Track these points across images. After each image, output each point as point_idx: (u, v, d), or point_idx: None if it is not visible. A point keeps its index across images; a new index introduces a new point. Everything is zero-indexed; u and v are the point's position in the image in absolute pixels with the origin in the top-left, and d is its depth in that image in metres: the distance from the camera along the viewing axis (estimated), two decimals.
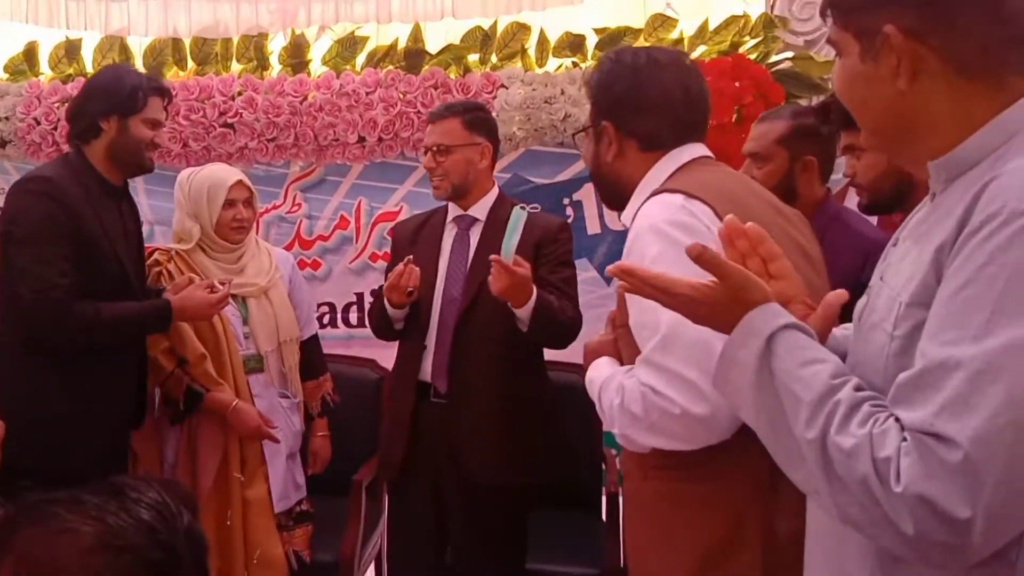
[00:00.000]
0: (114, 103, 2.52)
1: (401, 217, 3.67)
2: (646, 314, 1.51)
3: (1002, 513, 0.91)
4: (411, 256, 2.60)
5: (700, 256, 1.13)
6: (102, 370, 2.51)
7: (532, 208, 2.42)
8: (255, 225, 2.99)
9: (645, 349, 1.52)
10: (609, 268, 1.21)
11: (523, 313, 2.44)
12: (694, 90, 1.72)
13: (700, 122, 1.74)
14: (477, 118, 2.67)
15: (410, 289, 2.58)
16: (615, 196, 1.79)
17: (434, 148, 2.64)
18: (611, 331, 1.75)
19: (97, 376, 2.50)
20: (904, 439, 0.95)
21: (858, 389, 1.03)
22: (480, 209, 2.69)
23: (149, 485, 1.05)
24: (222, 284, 2.60)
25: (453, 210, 2.72)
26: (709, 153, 1.74)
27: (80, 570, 0.96)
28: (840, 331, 1.33)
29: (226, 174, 2.82)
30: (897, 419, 0.97)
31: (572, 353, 2.53)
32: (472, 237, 2.68)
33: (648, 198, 1.63)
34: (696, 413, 1.45)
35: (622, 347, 1.70)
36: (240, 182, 2.80)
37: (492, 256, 2.35)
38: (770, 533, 1.53)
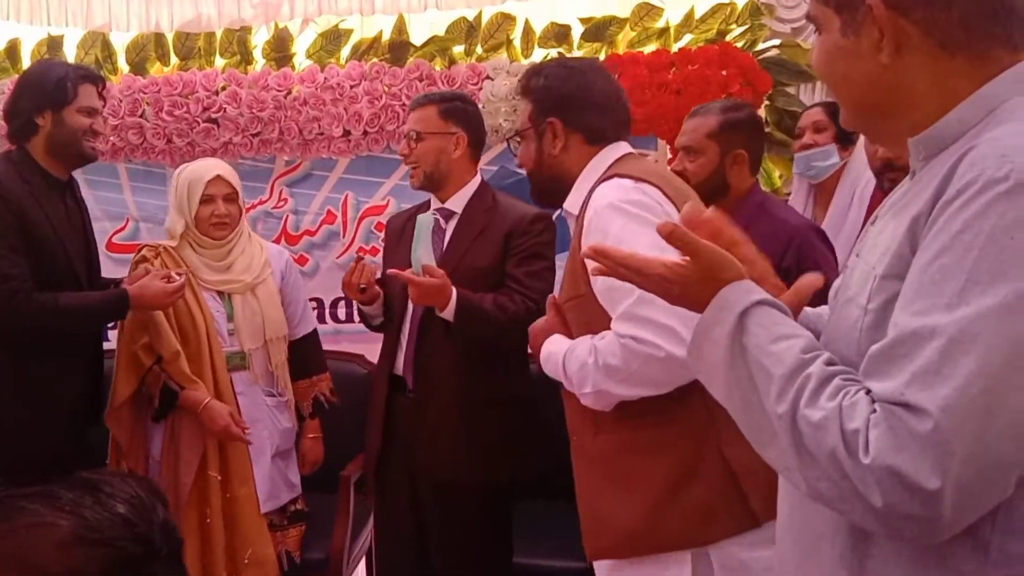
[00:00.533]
0: (44, 97, 2.56)
1: (388, 211, 3.64)
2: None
3: (973, 484, 0.89)
4: (360, 254, 2.58)
5: (671, 234, 1.12)
6: (48, 363, 2.53)
7: (433, 214, 2.50)
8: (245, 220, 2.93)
9: (622, 306, 1.66)
10: (584, 251, 1.23)
11: (445, 315, 2.42)
12: (623, 93, 1.97)
13: (628, 121, 1.97)
14: (455, 107, 2.63)
15: (363, 286, 2.56)
16: (554, 190, 1.96)
17: (409, 135, 2.63)
18: (554, 314, 1.90)
19: (43, 369, 2.52)
20: (874, 411, 0.93)
21: (830, 363, 1.01)
22: (457, 202, 2.64)
23: (123, 480, 1.03)
24: (179, 275, 2.60)
25: (435, 202, 2.68)
26: (634, 150, 1.94)
27: (56, 564, 0.94)
28: (812, 311, 1.34)
29: (204, 170, 2.77)
30: (868, 391, 0.95)
31: None
32: (448, 230, 2.64)
33: (596, 185, 1.80)
34: (679, 355, 1.56)
35: (573, 320, 1.85)
36: (219, 177, 2.74)
37: (390, 271, 2.41)
38: (724, 462, 1.69)
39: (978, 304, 0.88)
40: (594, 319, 1.76)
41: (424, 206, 2.75)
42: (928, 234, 0.95)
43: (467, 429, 2.53)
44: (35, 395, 2.51)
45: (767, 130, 3.33)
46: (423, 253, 2.37)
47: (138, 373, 2.69)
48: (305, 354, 2.98)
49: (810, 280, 1.29)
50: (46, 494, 0.99)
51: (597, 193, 1.78)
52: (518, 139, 2.01)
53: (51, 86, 2.55)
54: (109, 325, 3.11)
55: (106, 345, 2.88)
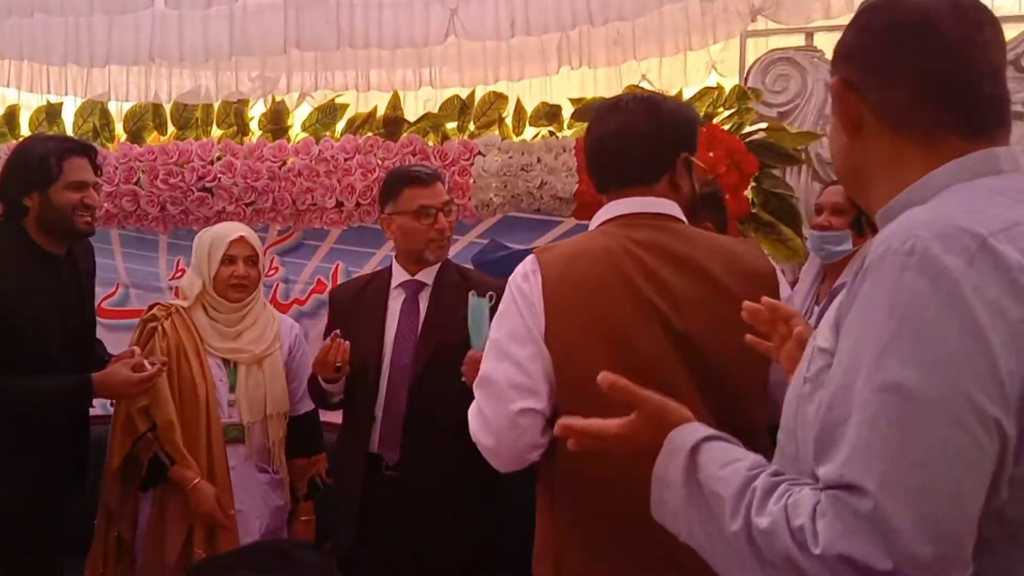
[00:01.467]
0: (27, 179, 2.49)
1: None
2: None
3: (926, 559, 0.87)
4: (337, 331, 2.54)
5: (612, 387, 1.17)
6: (16, 431, 2.46)
7: (489, 295, 2.47)
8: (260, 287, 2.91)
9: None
10: (556, 429, 1.26)
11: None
12: (631, 130, 1.73)
13: (622, 167, 1.75)
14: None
15: (338, 364, 2.51)
16: None
17: (442, 208, 2.62)
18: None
19: (13, 436, 2.45)
20: (819, 501, 0.93)
21: (775, 474, 1.02)
22: (428, 274, 2.67)
23: (305, 549, 1.10)
24: (152, 363, 2.52)
25: (399, 275, 2.68)
26: (652, 208, 1.73)
27: None
28: None
29: (228, 230, 2.77)
30: (813, 484, 0.96)
31: None
32: (421, 303, 2.64)
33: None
34: (484, 443, 1.65)
35: None
36: (242, 238, 2.74)
37: (470, 353, 2.32)
38: None
39: (890, 375, 0.90)
40: None
41: (378, 276, 2.74)
42: (849, 306, 0.99)
43: (464, 502, 2.51)
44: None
45: (753, 211, 3.40)
46: (486, 336, 2.37)
47: (132, 437, 2.65)
48: (304, 432, 2.92)
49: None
50: (247, 563, 1.05)
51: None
52: None
53: (34, 165, 2.49)
54: None
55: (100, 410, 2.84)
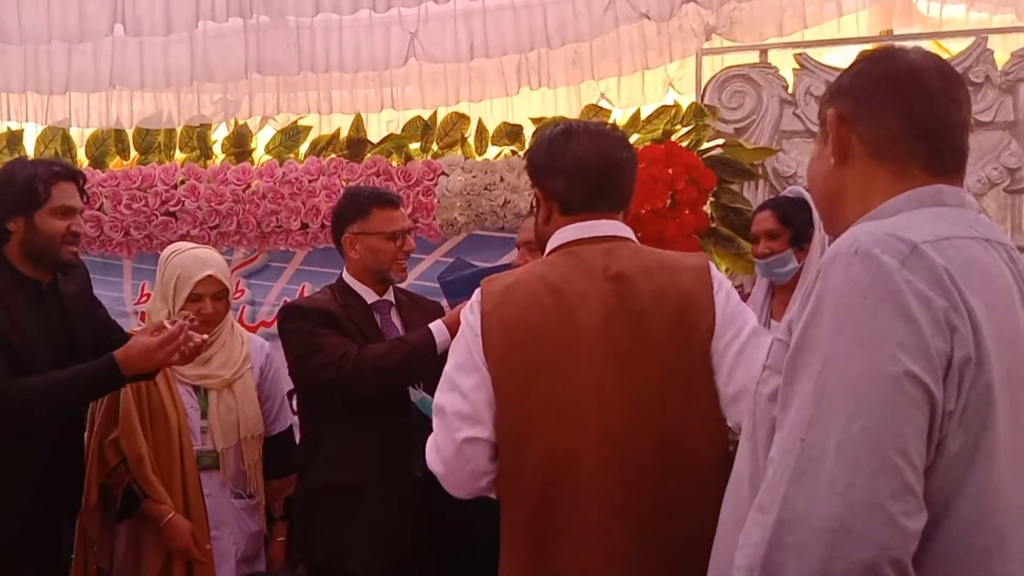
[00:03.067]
0: (13, 203, 2.38)
1: None
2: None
3: (870, 496, 1.00)
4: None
5: None
6: (15, 457, 2.38)
7: (419, 388, 2.58)
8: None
9: None
10: None
11: None
12: (608, 157, 1.78)
13: (604, 188, 1.78)
14: None
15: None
16: None
17: (409, 230, 2.74)
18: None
19: (10, 462, 2.37)
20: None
21: None
22: (390, 294, 2.77)
23: None
24: (170, 323, 2.39)
25: (367, 294, 2.72)
26: (603, 231, 1.77)
27: None
28: None
29: (197, 266, 2.70)
30: None
31: None
32: (395, 321, 2.72)
33: None
34: (438, 471, 1.71)
35: None
36: (210, 276, 2.69)
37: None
38: None
39: (842, 349, 1.06)
40: None
41: (348, 297, 2.71)
42: (797, 310, 1.14)
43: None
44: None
45: (712, 226, 3.46)
46: None
47: (105, 470, 2.63)
48: (279, 452, 2.90)
49: None
50: None
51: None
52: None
53: (20, 189, 2.38)
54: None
55: None
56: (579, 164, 1.77)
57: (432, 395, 2.48)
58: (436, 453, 1.70)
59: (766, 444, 1.15)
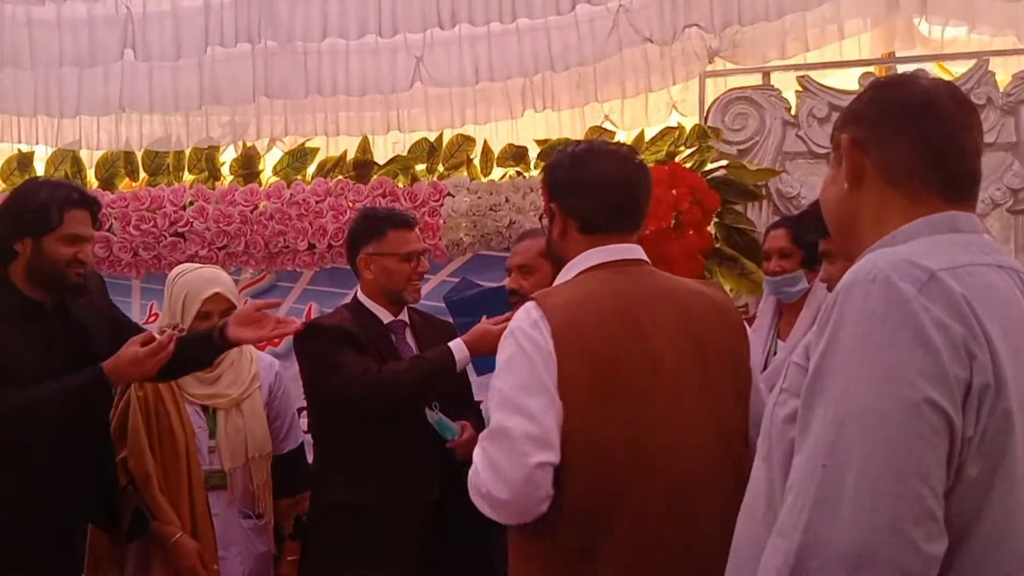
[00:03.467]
0: (24, 224, 2.36)
1: None
2: (491, 402, 1.72)
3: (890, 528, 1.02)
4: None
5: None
6: (28, 460, 2.36)
7: (435, 408, 2.59)
8: None
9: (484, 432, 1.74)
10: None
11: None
12: (632, 179, 1.82)
13: (626, 209, 1.81)
14: None
15: None
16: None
17: (423, 252, 2.79)
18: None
19: (24, 465, 2.34)
20: None
21: None
22: (404, 314, 2.78)
23: None
24: (160, 332, 2.40)
25: (383, 314, 2.72)
26: (633, 255, 1.81)
27: None
28: None
29: (204, 285, 2.70)
30: None
31: None
32: (410, 341, 2.75)
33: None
34: (497, 496, 1.62)
35: None
36: (218, 294, 2.69)
37: (452, 445, 2.55)
38: None
39: (842, 391, 1.07)
40: None
41: (363, 317, 2.71)
42: (815, 334, 1.15)
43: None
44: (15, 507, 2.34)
45: (716, 246, 3.48)
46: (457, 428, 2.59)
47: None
48: (289, 471, 2.88)
49: None
50: None
51: (517, 314, 1.74)
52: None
53: (34, 212, 2.36)
54: None
55: None
56: (603, 183, 1.79)
57: (448, 416, 2.54)
58: (498, 479, 1.61)
59: (782, 466, 1.17)
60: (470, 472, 1.69)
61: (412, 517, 2.56)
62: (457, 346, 2.58)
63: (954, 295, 1.08)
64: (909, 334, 1.05)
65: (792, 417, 1.15)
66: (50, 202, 2.36)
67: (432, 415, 2.55)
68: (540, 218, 1.96)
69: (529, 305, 1.71)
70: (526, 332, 1.67)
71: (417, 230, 2.79)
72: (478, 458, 1.67)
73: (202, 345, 2.50)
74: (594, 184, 1.79)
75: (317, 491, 2.71)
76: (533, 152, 3.67)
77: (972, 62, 3.48)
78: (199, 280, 2.75)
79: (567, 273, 1.82)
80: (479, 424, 2.61)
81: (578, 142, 1.96)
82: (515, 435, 1.61)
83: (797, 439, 1.12)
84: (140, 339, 2.37)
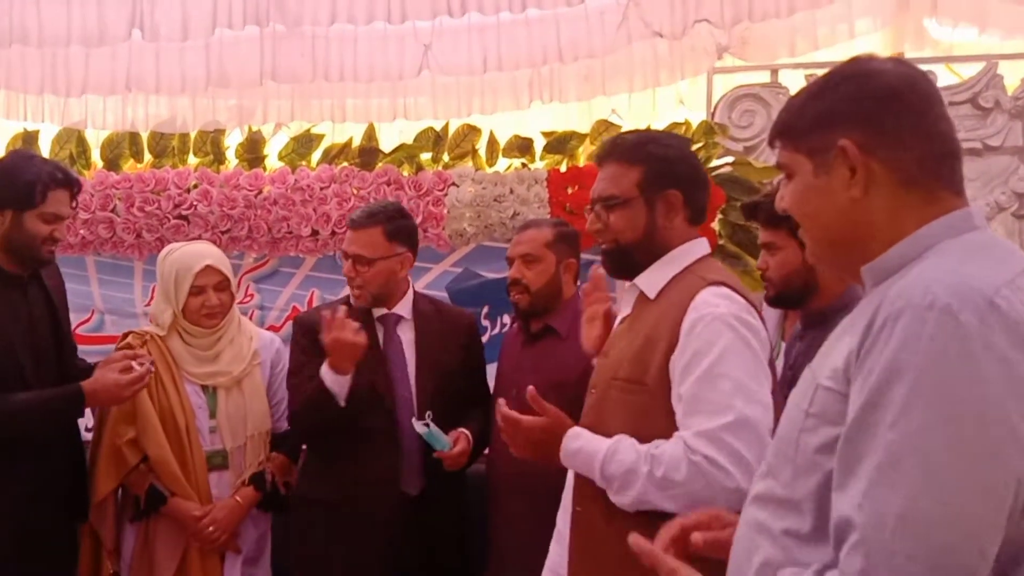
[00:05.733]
0: (8, 197, 2.42)
1: None
2: (715, 392, 1.67)
3: None
4: (342, 310, 2.55)
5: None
6: (22, 466, 2.41)
7: (428, 419, 2.56)
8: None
9: (708, 424, 1.66)
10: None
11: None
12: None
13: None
14: (399, 227, 2.65)
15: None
16: (640, 263, 1.90)
17: (356, 258, 2.61)
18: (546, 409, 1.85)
19: (18, 470, 2.40)
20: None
21: None
22: (403, 308, 2.71)
23: None
24: (141, 363, 2.45)
25: (375, 309, 2.71)
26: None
27: None
28: None
29: (194, 259, 2.69)
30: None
31: None
32: (402, 335, 2.70)
33: (702, 287, 1.78)
34: (746, 488, 1.59)
35: (618, 403, 1.81)
36: (209, 266, 2.68)
37: (440, 456, 2.52)
38: None
39: (903, 428, 1.00)
40: (648, 412, 1.76)
41: (342, 301, 2.75)
42: (863, 356, 1.07)
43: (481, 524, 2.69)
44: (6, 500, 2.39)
45: (720, 243, 3.48)
46: (448, 440, 2.55)
47: (121, 470, 2.62)
48: (286, 446, 2.88)
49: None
50: None
51: (705, 300, 1.75)
52: (608, 205, 1.89)
53: (20, 187, 2.42)
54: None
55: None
56: (708, 181, 1.97)
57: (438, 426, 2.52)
58: (747, 470, 1.61)
59: (813, 498, 1.12)
60: (702, 465, 1.64)
61: (377, 514, 2.56)
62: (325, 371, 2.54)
63: (1015, 323, 1.02)
64: (971, 372, 0.99)
65: (826, 447, 1.10)
66: (36, 180, 2.42)
67: (420, 426, 2.50)
68: (607, 203, 1.90)
69: (723, 291, 1.76)
70: (747, 321, 1.73)
71: (368, 232, 2.66)
72: (714, 451, 1.64)
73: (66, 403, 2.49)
74: (707, 179, 1.95)
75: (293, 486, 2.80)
76: (539, 144, 3.66)
77: (981, 65, 3.47)
78: (188, 256, 2.73)
79: (678, 259, 1.86)
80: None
81: (670, 134, 2.11)
82: (760, 425, 1.63)
83: (842, 473, 1.05)
84: (119, 366, 2.43)
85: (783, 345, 3.02)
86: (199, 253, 2.74)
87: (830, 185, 1.19)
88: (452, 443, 2.54)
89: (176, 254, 2.74)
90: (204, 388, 2.73)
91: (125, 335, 2.78)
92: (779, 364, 2.88)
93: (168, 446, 2.61)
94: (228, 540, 2.68)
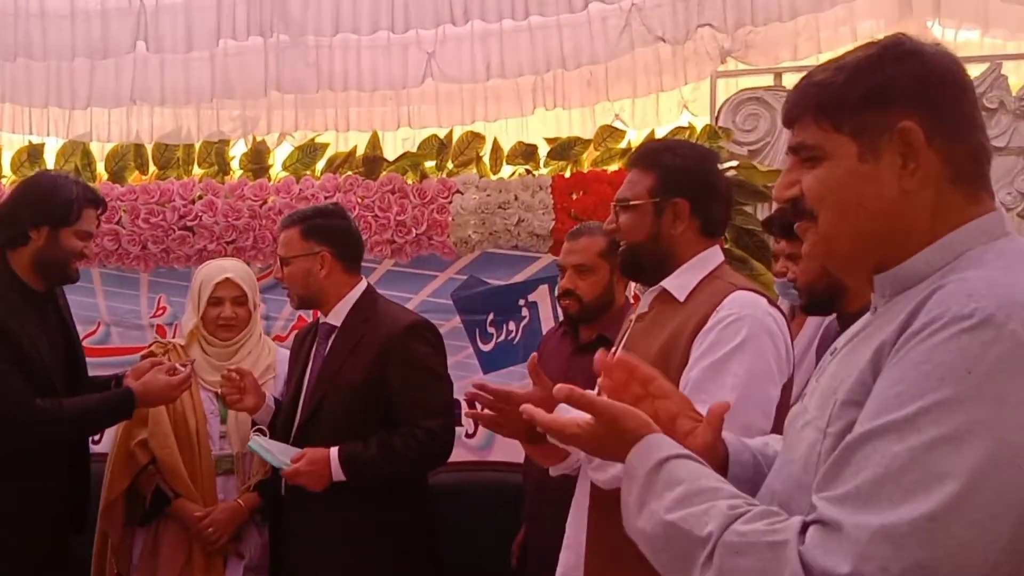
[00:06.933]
0: (47, 214, 2.47)
1: None
2: (716, 384, 1.70)
3: None
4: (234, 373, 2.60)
5: (569, 397, 1.20)
6: (25, 476, 2.43)
7: (258, 431, 2.55)
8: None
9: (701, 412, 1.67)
10: (524, 408, 1.28)
11: (335, 478, 2.41)
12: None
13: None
14: (315, 226, 2.58)
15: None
16: (653, 268, 1.93)
17: (280, 261, 2.63)
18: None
19: (20, 482, 2.41)
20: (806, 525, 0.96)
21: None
22: (337, 316, 2.61)
23: None
24: (183, 366, 2.55)
25: (322, 317, 2.67)
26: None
27: None
28: (756, 441, 1.38)
29: (216, 271, 2.81)
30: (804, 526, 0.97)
31: None
32: (328, 347, 2.60)
33: (733, 291, 1.81)
34: None
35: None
36: (228, 279, 2.77)
37: (284, 472, 2.41)
38: None
39: (929, 433, 0.90)
40: None
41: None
42: (891, 362, 0.98)
43: (344, 560, 2.47)
44: (16, 508, 2.40)
45: (726, 247, 3.47)
46: (287, 456, 2.41)
47: (132, 470, 2.68)
48: None
49: (718, 408, 1.31)
50: None
51: (736, 300, 1.78)
52: (622, 206, 1.92)
53: (59, 204, 2.48)
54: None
55: (93, 448, 2.83)
56: (727, 193, 1.98)
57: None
58: None
59: None
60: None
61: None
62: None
63: None
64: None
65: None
66: (73, 198, 2.50)
67: (253, 442, 2.46)
68: (617, 205, 1.94)
69: (754, 297, 1.80)
70: (766, 325, 1.76)
71: (285, 233, 2.64)
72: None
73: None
74: (722, 192, 1.94)
75: None
76: (543, 150, 3.67)
77: (985, 66, 3.47)
78: (213, 268, 2.86)
79: (702, 265, 1.88)
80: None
81: (691, 144, 2.07)
82: (752, 427, 1.63)
83: (849, 471, 0.96)
84: (166, 367, 2.54)
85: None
86: (222, 266, 2.86)
87: (878, 173, 1.05)
88: (298, 459, 2.41)
89: (206, 268, 2.88)
90: (217, 396, 2.77)
91: (151, 344, 2.91)
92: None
93: (176, 449, 2.67)
94: (229, 543, 2.72)
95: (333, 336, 2.59)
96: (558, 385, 1.21)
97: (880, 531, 0.89)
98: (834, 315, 2.43)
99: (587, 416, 1.20)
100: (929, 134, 1.03)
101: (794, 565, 0.93)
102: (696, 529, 1.03)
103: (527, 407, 1.26)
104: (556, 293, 2.87)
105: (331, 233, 2.60)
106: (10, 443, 2.36)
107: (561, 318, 3.08)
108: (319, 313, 2.67)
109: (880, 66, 1.06)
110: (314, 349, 2.63)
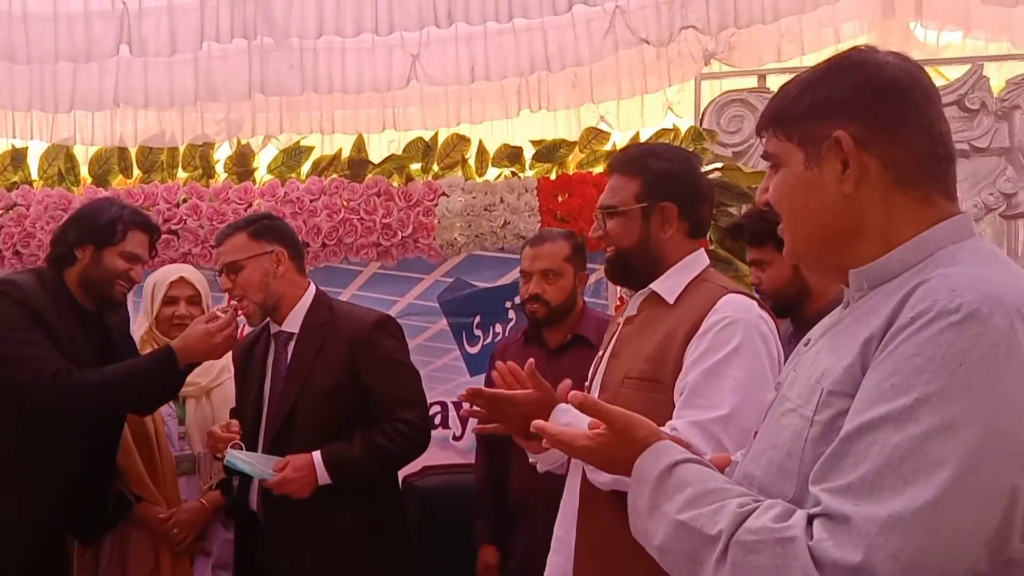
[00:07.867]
0: (89, 233, 2.52)
1: None
2: (714, 388, 1.71)
3: None
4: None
5: (583, 404, 1.24)
6: (24, 486, 2.43)
7: (234, 446, 2.45)
8: None
9: (701, 415, 1.70)
10: (534, 423, 1.31)
11: (321, 481, 2.37)
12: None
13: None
14: (264, 227, 2.50)
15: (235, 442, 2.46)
16: (642, 272, 1.93)
17: (226, 268, 2.47)
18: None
19: (18, 493, 2.42)
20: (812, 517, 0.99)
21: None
22: (293, 322, 2.50)
23: None
24: (223, 311, 2.46)
25: (273, 326, 2.55)
26: None
27: None
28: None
29: (169, 272, 2.85)
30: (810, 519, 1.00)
31: None
32: (288, 354, 2.51)
33: (724, 293, 1.82)
34: None
35: (632, 399, 1.75)
36: (182, 279, 2.81)
37: (269, 483, 2.35)
38: None
39: (926, 423, 0.94)
40: (664, 410, 1.74)
41: (266, 328, 2.59)
42: (880, 356, 1.01)
43: (324, 561, 2.41)
44: (13, 518, 2.41)
45: (711, 248, 3.49)
46: (271, 467, 2.36)
47: None
48: None
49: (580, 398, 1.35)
50: None
51: (728, 303, 1.79)
52: (608, 213, 1.93)
53: (101, 224, 2.52)
54: None
55: None
56: (712, 195, 1.99)
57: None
58: None
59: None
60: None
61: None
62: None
63: None
64: (1015, 373, 0.95)
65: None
66: (117, 218, 2.53)
67: (230, 456, 2.38)
68: (603, 212, 1.94)
69: (746, 300, 1.82)
70: (759, 327, 1.77)
71: (232, 239, 2.49)
72: (701, 441, 1.65)
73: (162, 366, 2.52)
74: (707, 193, 1.96)
75: None
76: (528, 152, 3.67)
77: (967, 67, 3.50)
78: (166, 270, 2.93)
79: (690, 267, 1.90)
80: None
81: (676, 147, 2.16)
82: (751, 428, 1.67)
83: (847, 464, 0.99)
84: (204, 317, 2.50)
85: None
86: (176, 268, 2.92)
87: (821, 178, 1.13)
88: (282, 468, 2.36)
89: (156, 272, 2.90)
90: (175, 398, 2.76)
91: None
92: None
93: (136, 453, 2.67)
94: (194, 542, 2.73)
95: (293, 342, 2.50)
96: (572, 392, 1.24)
97: (888, 521, 0.93)
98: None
99: (587, 431, 1.24)
100: (865, 141, 1.10)
101: (804, 561, 0.97)
102: (707, 528, 1.07)
103: (538, 423, 1.30)
104: (520, 299, 2.87)
105: (282, 233, 2.54)
106: (55, 406, 2.39)
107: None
108: (270, 322, 2.56)
109: (824, 79, 1.15)
110: (271, 358, 2.53)
